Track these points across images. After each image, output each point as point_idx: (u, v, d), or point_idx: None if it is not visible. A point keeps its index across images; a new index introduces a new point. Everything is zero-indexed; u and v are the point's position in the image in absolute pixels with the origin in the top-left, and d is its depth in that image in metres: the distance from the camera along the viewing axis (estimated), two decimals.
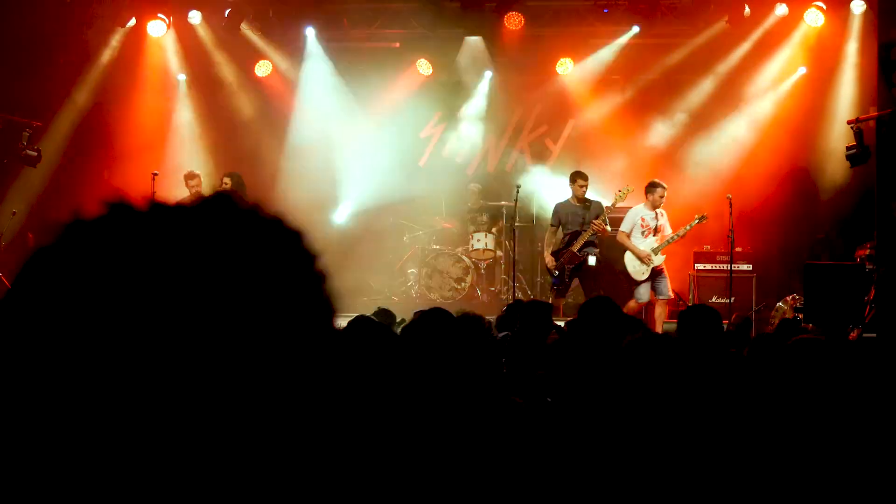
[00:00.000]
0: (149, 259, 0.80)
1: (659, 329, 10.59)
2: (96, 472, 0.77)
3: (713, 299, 11.90)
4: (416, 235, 13.71)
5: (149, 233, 0.81)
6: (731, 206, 11.31)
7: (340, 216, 14.24)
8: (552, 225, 11.77)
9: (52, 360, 0.78)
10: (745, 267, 12.19)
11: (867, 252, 10.85)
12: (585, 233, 11.42)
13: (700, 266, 12.33)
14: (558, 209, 11.65)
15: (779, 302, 11.66)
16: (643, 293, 11.33)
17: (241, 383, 0.79)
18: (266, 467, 0.80)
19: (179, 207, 0.84)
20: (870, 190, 11.73)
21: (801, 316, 10.88)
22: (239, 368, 0.79)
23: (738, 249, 11.86)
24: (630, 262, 11.42)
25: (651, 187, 11.42)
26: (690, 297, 12.34)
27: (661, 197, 11.37)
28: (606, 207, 11.56)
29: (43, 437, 0.77)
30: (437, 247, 13.47)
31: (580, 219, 11.49)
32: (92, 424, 0.77)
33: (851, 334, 10.05)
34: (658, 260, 11.32)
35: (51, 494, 0.77)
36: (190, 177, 12.46)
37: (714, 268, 12.26)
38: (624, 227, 11.47)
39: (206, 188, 12.39)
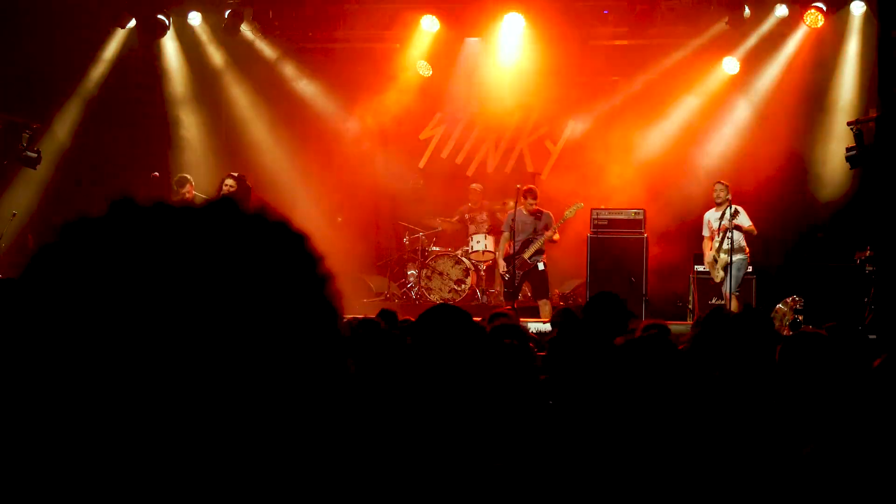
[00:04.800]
0: (153, 259, 0.79)
1: None
2: (98, 470, 0.76)
3: (713, 301, 11.88)
4: (415, 236, 13.70)
5: (154, 233, 0.81)
6: (730, 208, 11.30)
7: (341, 217, 14.23)
8: (503, 232, 12.42)
9: (55, 358, 0.77)
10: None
11: (867, 254, 10.86)
12: (537, 241, 12.03)
13: (700, 268, 12.31)
14: (509, 219, 12.22)
15: (779, 303, 11.64)
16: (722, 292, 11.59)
17: (245, 385, 0.79)
18: (270, 469, 0.80)
19: (185, 209, 0.84)
20: (869, 191, 11.74)
21: (801, 317, 10.88)
22: (242, 370, 0.79)
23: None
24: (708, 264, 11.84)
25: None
26: (690, 298, 12.33)
27: (715, 194, 11.61)
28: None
29: (45, 434, 0.77)
30: (437, 248, 13.47)
31: (531, 228, 12.09)
32: (91, 422, 0.77)
33: None
34: (724, 258, 11.40)
35: (52, 493, 0.77)
36: (180, 184, 12.17)
37: None
38: (703, 231, 11.90)
39: (206, 191, 12.32)
